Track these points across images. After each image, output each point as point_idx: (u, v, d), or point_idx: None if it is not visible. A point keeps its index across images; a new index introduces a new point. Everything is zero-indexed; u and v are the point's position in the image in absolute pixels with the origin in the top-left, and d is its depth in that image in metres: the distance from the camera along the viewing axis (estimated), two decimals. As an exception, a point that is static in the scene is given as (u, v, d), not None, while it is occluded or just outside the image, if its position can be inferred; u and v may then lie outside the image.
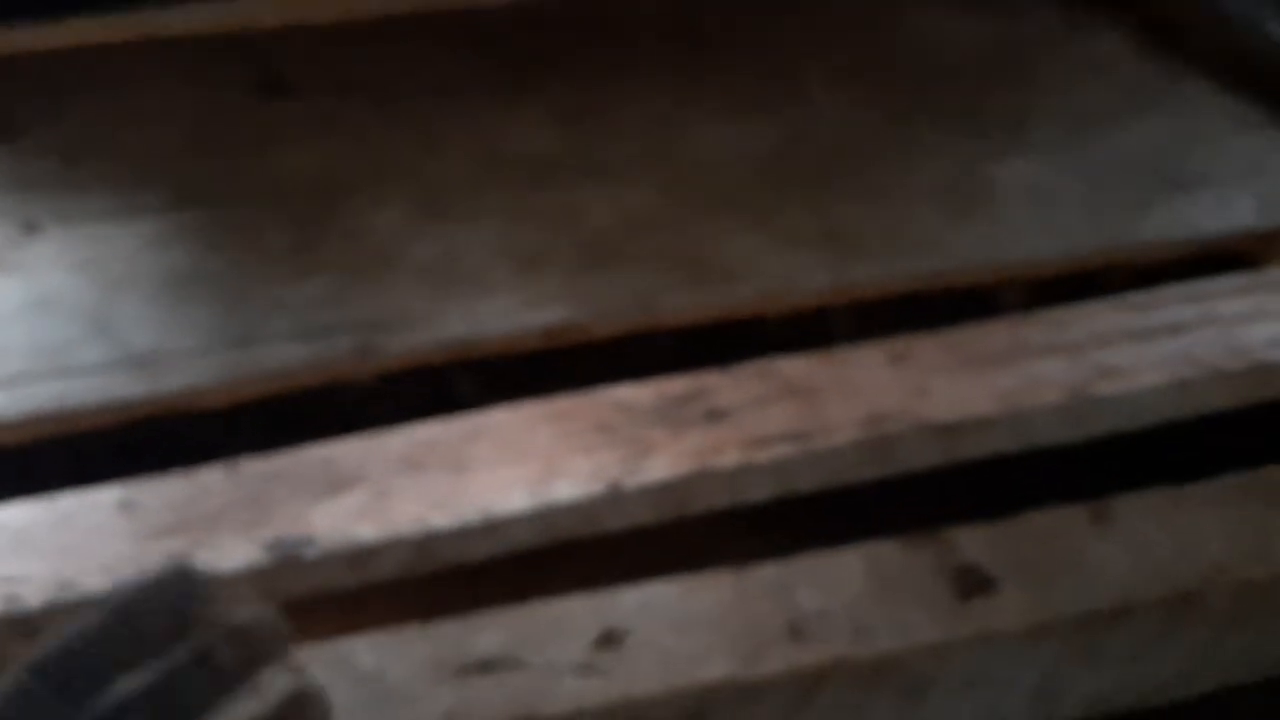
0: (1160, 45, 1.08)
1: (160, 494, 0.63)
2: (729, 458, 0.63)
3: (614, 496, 0.62)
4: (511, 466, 0.64)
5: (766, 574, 0.60)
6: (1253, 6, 1.09)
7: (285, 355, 0.73)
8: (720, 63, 1.05)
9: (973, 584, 0.58)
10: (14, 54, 1.06)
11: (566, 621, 0.57)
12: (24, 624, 0.56)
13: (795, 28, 1.11)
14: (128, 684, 0.47)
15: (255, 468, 0.64)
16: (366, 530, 0.60)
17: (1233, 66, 1.04)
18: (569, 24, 1.11)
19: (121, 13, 1.12)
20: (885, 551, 0.61)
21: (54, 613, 0.56)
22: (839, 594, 0.59)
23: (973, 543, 0.61)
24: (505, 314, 0.76)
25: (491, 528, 0.61)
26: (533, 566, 0.64)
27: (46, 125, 0.96)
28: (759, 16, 1.13)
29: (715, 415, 0.67)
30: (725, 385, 0.69)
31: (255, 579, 0.59)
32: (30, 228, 0.84)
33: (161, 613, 0.48)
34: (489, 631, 0.57)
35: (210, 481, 0.63)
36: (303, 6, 1.14)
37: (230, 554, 0.59)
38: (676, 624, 0.57)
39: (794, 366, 0.70)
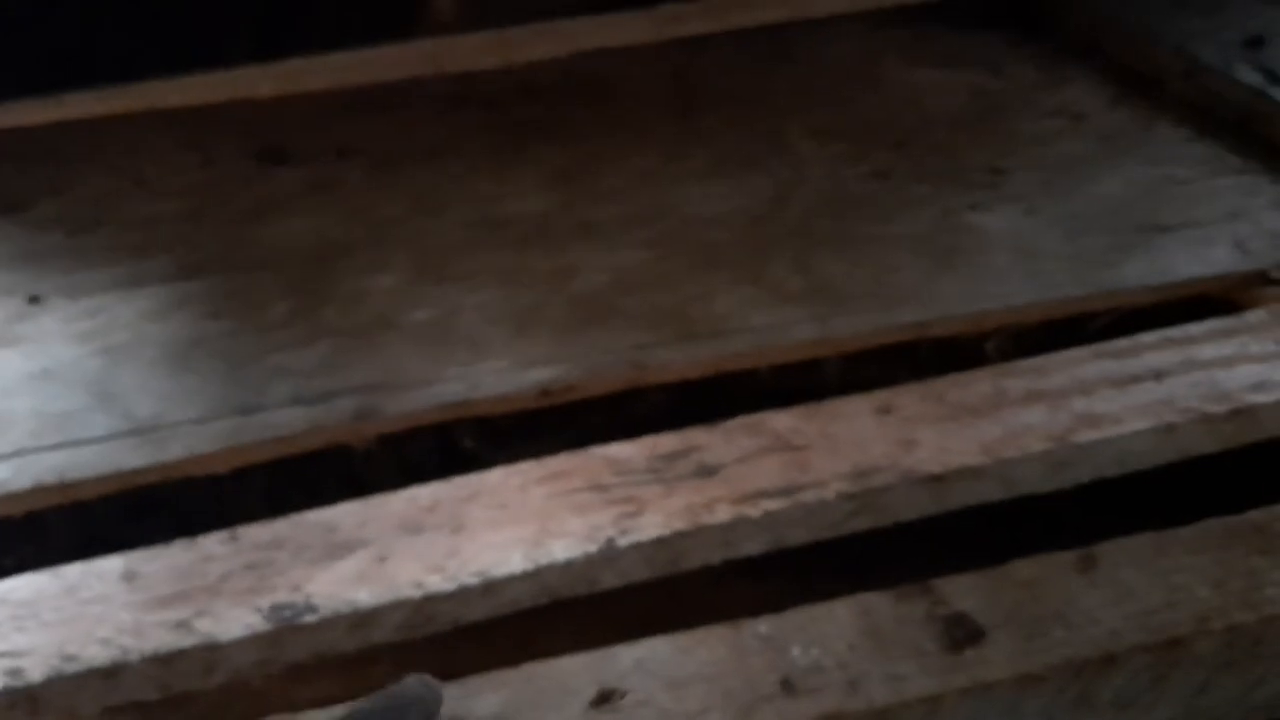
0: (1134, 94, 1.09)
1: (163, 563, 0.62)
2: (721, 513, 0.63)
3: (608, 555, 0.62)
4: (508, 527, 0.63)
5: (760, 629, 0.59)
6: (1223, 52, 1.10)
7: (286, 420, 0.73)
8: (707, 123, 1.06)
9: (963, 635, 0.58)
10: (18, 128, 1.07)
11: (563, 682, 0.57)
12: (27, 698, 0.56)
13: (779, 87, 1.11)
14: None
15: (256, 534, 0.64)
16: (365, 594, 0.60)
17: (1206, 112, 1.04)
18: (558, 89, 1.11)
19: (122, 86, 1.13)
20: (876, 603, 0.60)
21: (56, 686, 0.56)
22: (831, 647, 0.58)
23: (962, 593, 0.61)
24: (501, 374, 0.76)
25: (489, 589, 0.61)
26: (528, 624, 0.64)
27: (51, 198, 0.97)
28: (744, 77, 1.14)
29: (706, 471, 0.66)
30: (715, 441, 0.68)
31: (257, 646, 0.58)
32: (34, 300, 0.84)
33: None
34: (487, 694, 0.56)
35: (212, 549, 0.63)
36: (298, 76, 1.15)
37: (231, 622, 0.58)
38: (672, 682, 0.57)
39: (782, 420, 0.70)
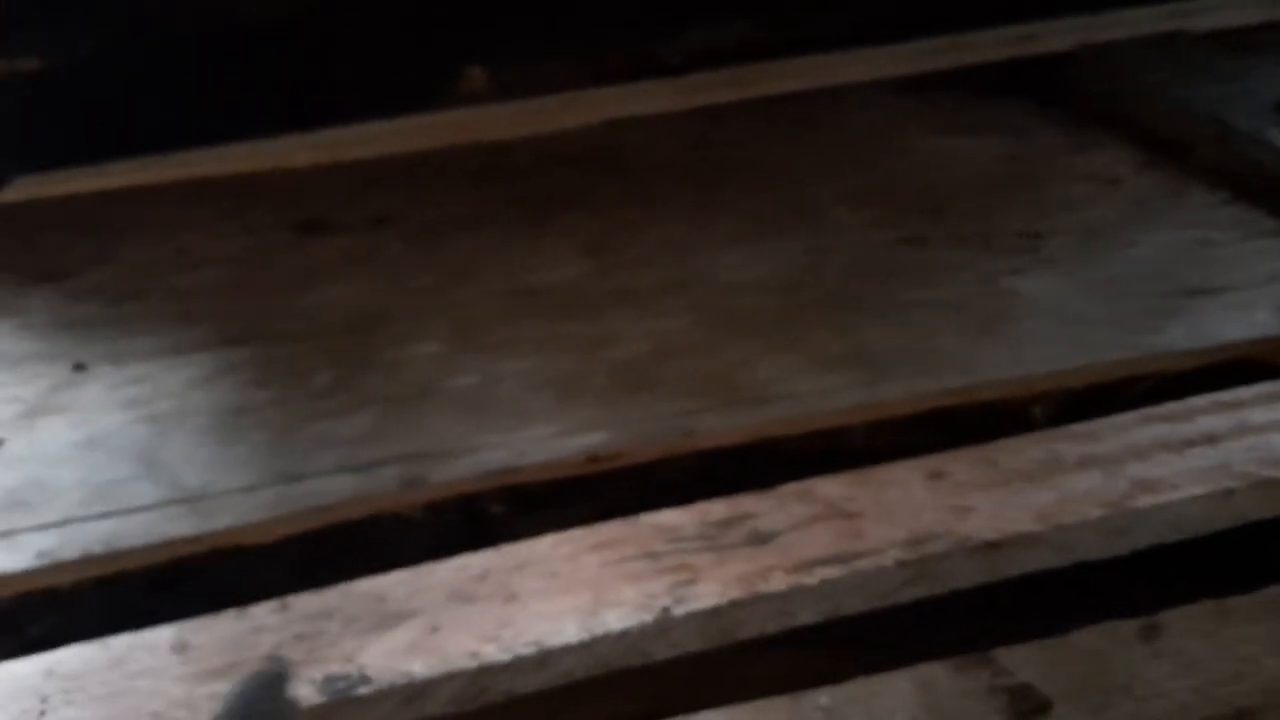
0: (1164, 159, 1.09)
1: (213, 633, 0.61)
2: (776, 582, 0.62)
3: (663, 625, 0.60)
4: (560, 596, 0.62)
5: (820, 700, 0.58)
6: (1253, 117, 1.10)
7: (331, 489, 0.72)
8: (736, 190, 1.06)
9: (1028, 707, 0.56)
10: (63, 197, 1.08)
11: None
12: (81, 774, 0.54)
13: (805, 155, 1.12)
14: None
15: (306, 604, 0.63)
16: (419, 666, 0.59)
17: (1238, 176, 1.04)
18: (587, 158, 1.12)
19: (163, 155, 1.13)
20: (935, 674, 0.59)
21: (110, 761, 0.55)
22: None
23: (1024, 663, 0.59)
24: (544, 441, 0.75)
25: (543, 660, 0.59)
26: (579, 695, 0.63)
27: (94, 267, 0.97)
28: (768, 145, 1.14)
29: (759, 539, 0.65)
30: (767, 508, 0.67)
31: (311, 719, 0.57)
32: (80, 368, 0.83)
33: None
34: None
35: (262, 619, 0.62)
36: (335, 146, 1.16)
37: (284, 694, 0.57)
38: (734, 755, 0.55)
39: (833, 487, 0.69)
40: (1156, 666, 0.59)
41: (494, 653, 0.59)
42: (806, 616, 0.62)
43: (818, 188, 1.06)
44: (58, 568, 0.67)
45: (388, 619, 0.61)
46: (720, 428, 0.76)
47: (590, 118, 1.20)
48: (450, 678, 0.58)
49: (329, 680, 0.58)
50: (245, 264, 0.97)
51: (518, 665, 0.59)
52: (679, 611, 0.61)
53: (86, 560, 0.67)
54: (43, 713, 0.57)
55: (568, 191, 1.08)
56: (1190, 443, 0.70)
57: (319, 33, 1.22)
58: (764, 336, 0.85)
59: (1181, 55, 1.24)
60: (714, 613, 0.61)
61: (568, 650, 0.60)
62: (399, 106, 1.22)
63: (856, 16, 1.32)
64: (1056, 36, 1.31)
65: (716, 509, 0.67)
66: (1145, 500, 0.65)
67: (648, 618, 0.60)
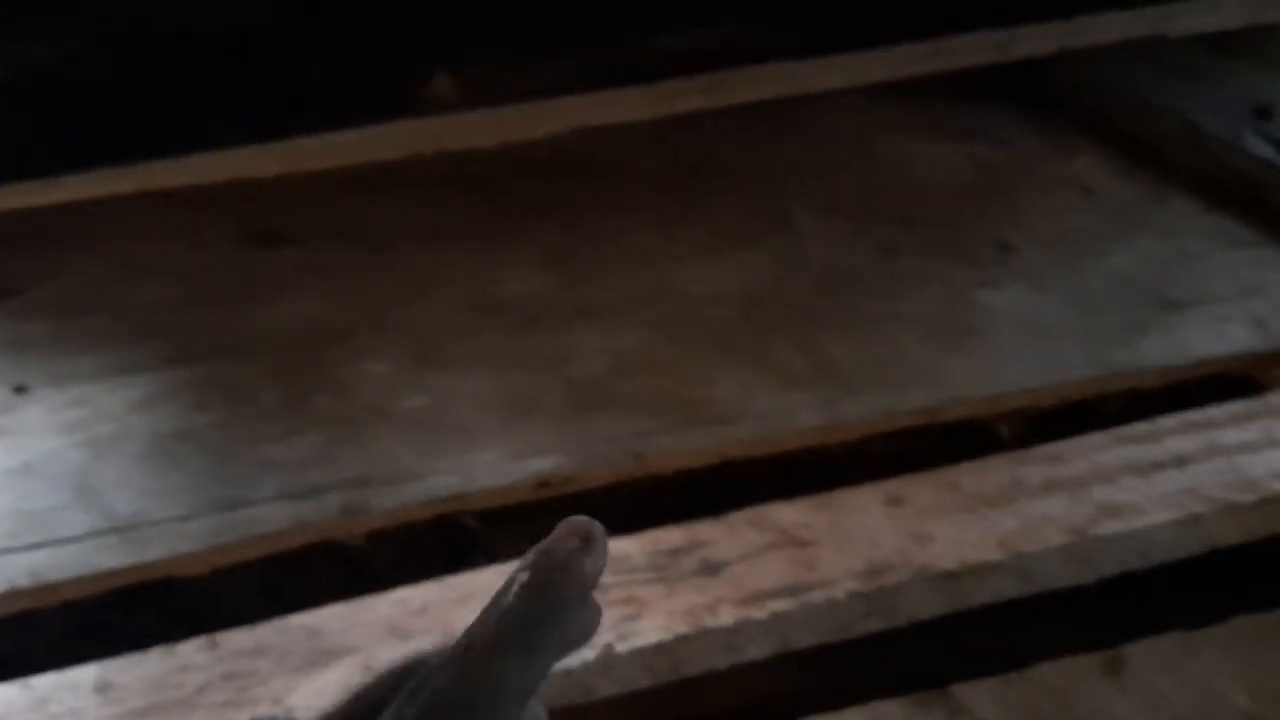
0: (1142, 165, 1.06)
1: (138, 672, 0.58)
2: (724, 616, 0.59)
3: (607, 662, 0.58)
4: (501, 631, 0.59)
5: (769, 741, 0.55)
6: (1231, 123, 1.07)
7: (272, 517, 0.69)
8: (708, 199, 1.03)
9: (985, 748, 0.54)
10: (11, 211, 1.05)
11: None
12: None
13: (778, 163, 1.09)
14: None
15: (237, 640, 0.60)
16: (350, 707, 0.56)
17: (1215, 184, 1.01)
18: (556, 167, 1.09)
19: (120, 168, 1.11)
20: (891, 712, 0.57)
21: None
22: (845, 760, 0.54)
23: (983, 699, 0.57)
24: (495, 466, 0.73)
25: (480, 699, 0.57)
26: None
27: (42, 283, 0.94)
28: (742, 153, 1.11)
29: (709, 568, 0.63)
30: (719, 535, 0.65)
31: (233, 765, 0.54)
32: (20, 390, 0.81)
33: None
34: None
35: (190, 657, 0.59)
36: (295, 155, 1.13)
37: (207, 739, 0.55)
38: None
39: (788, 513, 0.66)
40: (1122, 702, 0.56)
41: (428, 693, 0.56)
42: (756, 651, 0.60)
43: (790, 196, 1.03)
44: (-17, 602, 0.65)
45: (321, 656, 0.59)
46: (674, 450, 0.73)
47: (559, 126, 1.17)
48: None
49: (255, 723, 0.55)
50: (197, 278, 0.94)
51: (453, 706, 0.56)
52: (623, 648, 0.58)
53: (12, 594, 0.65)
54: (-43, 758, 0.55)
55: (535, 201, 1.05)
56: (1158, 465, 0.67)
57: (283, 41, 1.20)
58: (726, 352, 0.83)
59: (1160, 60, 1.22)
60: (659, 649, 0.58)
61: (506, 689, 0.57)
62: (366, 115, 1.19)
63: (835, 21, 1.29)
64: (1036, 41, 1.28)
65: (667, 537, 0.65)
66: (1110, 526, 0.63)
67: (590, 655, 0.58)
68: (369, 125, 1.19)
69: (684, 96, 1.22)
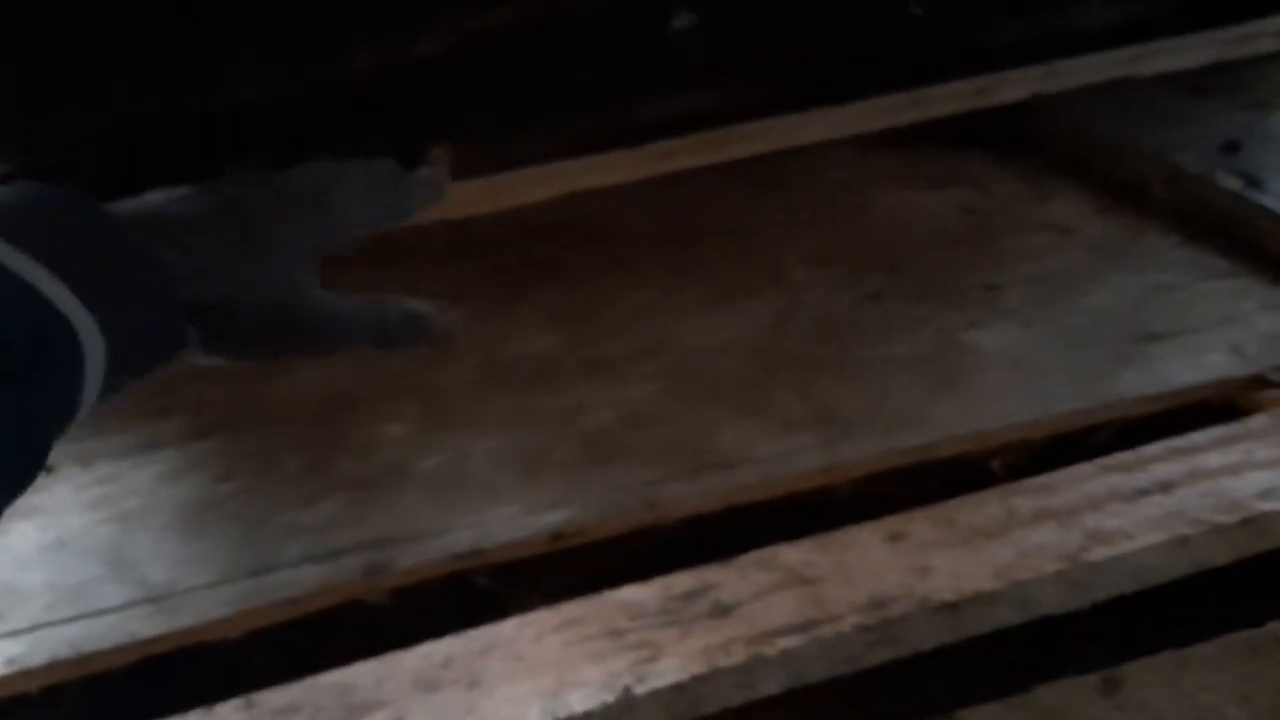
0: (1119, 204, 1.09)
1: (179, 735, 0.61)
2: (737, 654, 0.61)
3: (626, 704, 0.60)
4: (525, 680, 0.62)
5: (784, 772, 0.57)
6: (1202, 159, 1.10)
7: (299, 580, 0.71)
8: (704, 255, 1.06)
9: (991, 769, 0.56)
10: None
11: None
12: None
13: (771, 217, 1.12)
14: None
15: (272, 700, 0.62)
16: (383, 758, 0.58)
17: (1190, 218, 1.04)
18: (553, 230, 1.12)
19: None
20: (901, 739, 0.58)
21: None
22: (858, 788, 0.56)
23: (987, 723, 0.59)
24: (512, 520, 0.75)
25: (507, 745, 0.59)
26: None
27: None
28: (734, 208, 1.14)
29: (720, 610, 0.65)
30: (729, 578, 0.67)
31: (274, 818, 0.56)
32: (47, 470, 0.83)
33: None
34: None
35: (229, 718, 0.61)
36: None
37: (248, 794, 0.57)
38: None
39: (794, 553, 0.68)
40: (1118, 719, 0.58)
41: (457, 741, 0.58)
42: (770, 687, 0.62)
43: (783, 248, 1.06)
44: (27, 674, 0.67)
45: (354, 710, 0.61)
46: (684, 496, 0.76)
47: (554, 191, 1.21)
48: (414, 768, 0.58)
49: (293, 777, 0.57)
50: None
51: (481, 752, 0.58)
52: (641, 690, 0.60)
53: (54, 665, 0.67)
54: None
55: (535, 265, 1.08)
56: (1144, 491, 0.69)
57: (279, 116, 1.23)
58: (729, 401, 0.85)
59: (1132, 100, 1.25)
60: (676, 689, 0.60)
61: (532, 734, 0.59)
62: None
63: (817, 77, 1.33)
64: (1011, 88, 1.32)
65: (679, 581, 0.67)
66: (1101, 552, 0.65)
67: (610, 698, 0.60)
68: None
69: (675, 156, 1.26)
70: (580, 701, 0.60)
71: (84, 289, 0.42)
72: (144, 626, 0.69)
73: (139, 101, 1.16)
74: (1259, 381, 0.81)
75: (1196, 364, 0.83)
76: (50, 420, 0.43)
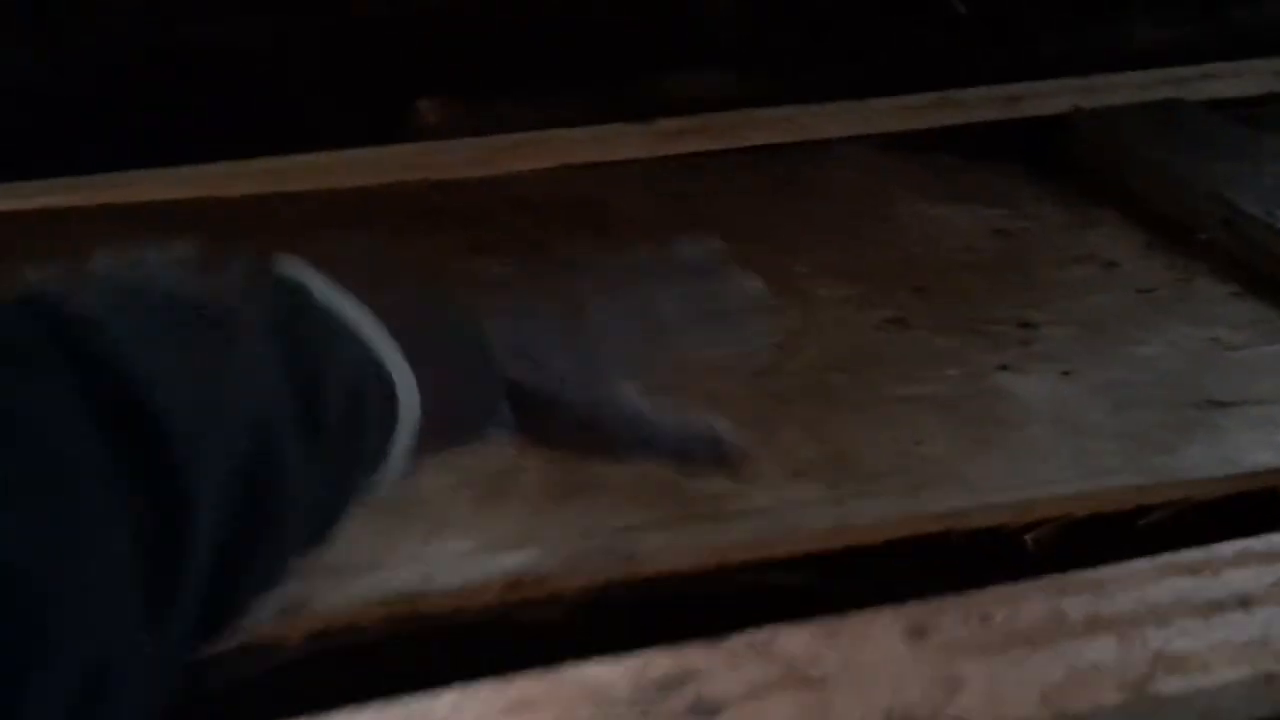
0: (1167, 240, 0.96)
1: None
2: (722, 777, 0.48)
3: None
4: (455, 780, 0.48)
5: None
6: (1263, 198, 0.97)
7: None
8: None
9: None
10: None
11: None
12: None
13: (786, 217, 0.98)
14: None
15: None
16: None
17: (1248, 267, 0.91)
18: (544, 208, 0.98)
19: (76, 178, 0.99)
20: None
21: None
22: None
23: None
24: (462, 559, 0.61)
25: None
26: None
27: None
28: (749, 203, 1.00)
29: (704, 709, 0.51)
30: (716, 664, 0.53)
31: None
32: None
33: None
34: None
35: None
36: (272, 176, 1.01)
37: None
38: None
39: (796, 640, 0.55)
40: None
41: None
42: (758, 818, 0.49)
43: (795, 255, 0.92)
44: None
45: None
46: (666, 549, 0.62)
47: (550, 161, 1.06)
48: None
49: None
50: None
51: None
52: (599, 812, 0.47)
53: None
54: None
55: (520, 246, 0.94)
56: (1219, 605, 0.56)
57: (263, 59, 1.08)
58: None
59: (1182, 125, 1.12)
60: (642, 816, 0.47)
61: None
62: (347, 138, 1.08)
63: (841, 69, 1.19)
64: (1047, 98, 1.18)
65: (656, 663, 0.53)
66: (1170, 684, 0.52)
67: (560, 820, 0.46)
68: (351, 148, 1.08)
69: (684, 138, 1.11)
70: (522, 822, 0.46)
71: (406, 346, 0.41)
72: None
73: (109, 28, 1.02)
74: (1343, 472, 0.68)
75: (1266, 442, 0.70)
76: (358, 470, 0.41)
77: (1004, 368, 0.78)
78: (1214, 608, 0.56)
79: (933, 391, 0.75)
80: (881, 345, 0.81)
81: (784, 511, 0.65)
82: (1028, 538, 0.66)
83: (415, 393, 0.41)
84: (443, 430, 0.43)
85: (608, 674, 0.53)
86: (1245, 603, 0.56)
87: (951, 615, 0.56)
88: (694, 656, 0.54)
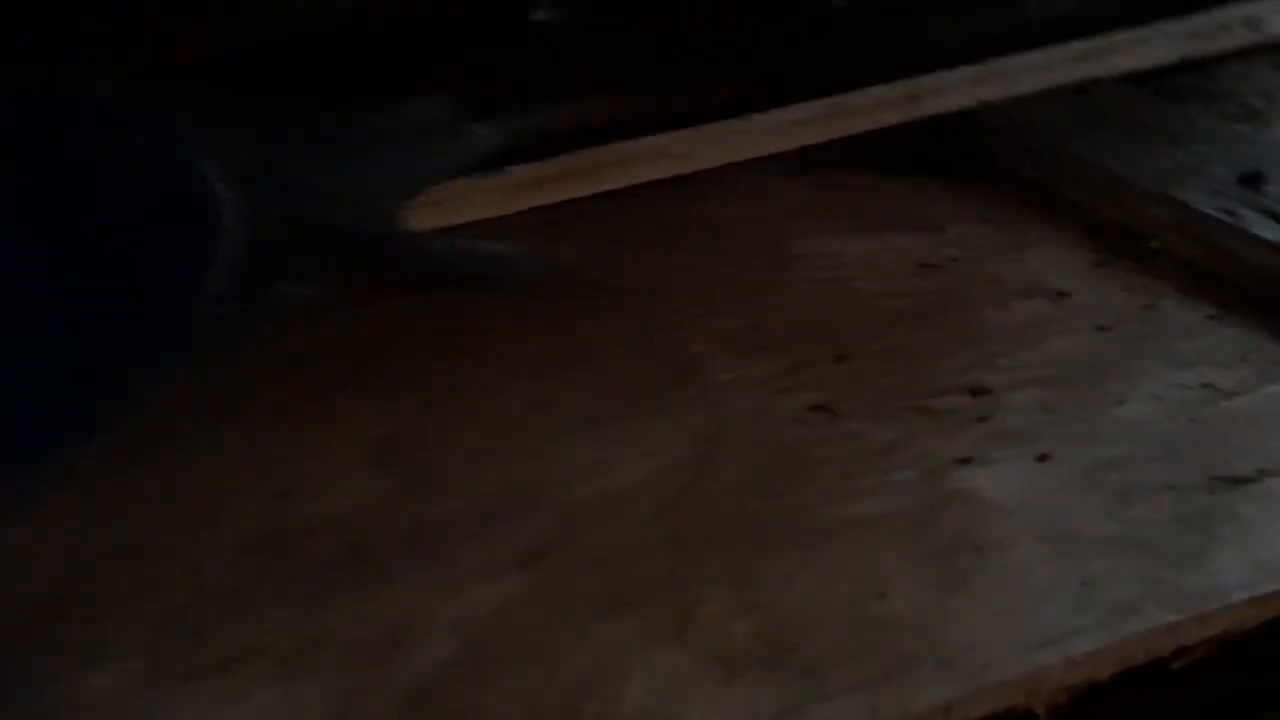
0: (1116, 253, 0.81)
1: None
2: None
3: None
4: None
5: None
6: (1216, 194, 0.82)
7: None
8: (588, 339, 0.74)
9: None
10: None
11: None
12: None
13: (675, 275, 0.80)
14: None
15: None
16: None
17: (1215, 280, 0.76)
18: (422, 331, 0.79)
19: None
20: None
21: None
22: None
23: None
24: None
25: None
26: None
27: None
28: (627, 263, 0.82)
29: None
30: None
31: None
32: None
33: None
34: None
35: None
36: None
37: None
38: None
39: None
40: None
41: None
42: None
43: (694, 327, 0.75)
44: None
45: None
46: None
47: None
48: None
49: None
50: None
51: None
52: None
53: None
54: None
55: (356, 348, 0.75)
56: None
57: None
58: (634, 609, 0.54)
59: (1105, 111, 0.97)
60: None
61: None
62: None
63: (712, 85, 1.01)
64: (948, 94, 1.03)
65: None
66: None
67: None
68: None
69: (542, 187, 0.93)
70: None
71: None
72: None
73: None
74: None
75: (1309, 533, 0.55)
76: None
77: (965, 461, 0.62)
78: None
79: (883, 510, 0.59)
80: (808, 447, 0.64)
81: (718, 731, 0.47)
82: (1038, 707, 0.50)
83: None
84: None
85: None
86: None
87: None
88: None
